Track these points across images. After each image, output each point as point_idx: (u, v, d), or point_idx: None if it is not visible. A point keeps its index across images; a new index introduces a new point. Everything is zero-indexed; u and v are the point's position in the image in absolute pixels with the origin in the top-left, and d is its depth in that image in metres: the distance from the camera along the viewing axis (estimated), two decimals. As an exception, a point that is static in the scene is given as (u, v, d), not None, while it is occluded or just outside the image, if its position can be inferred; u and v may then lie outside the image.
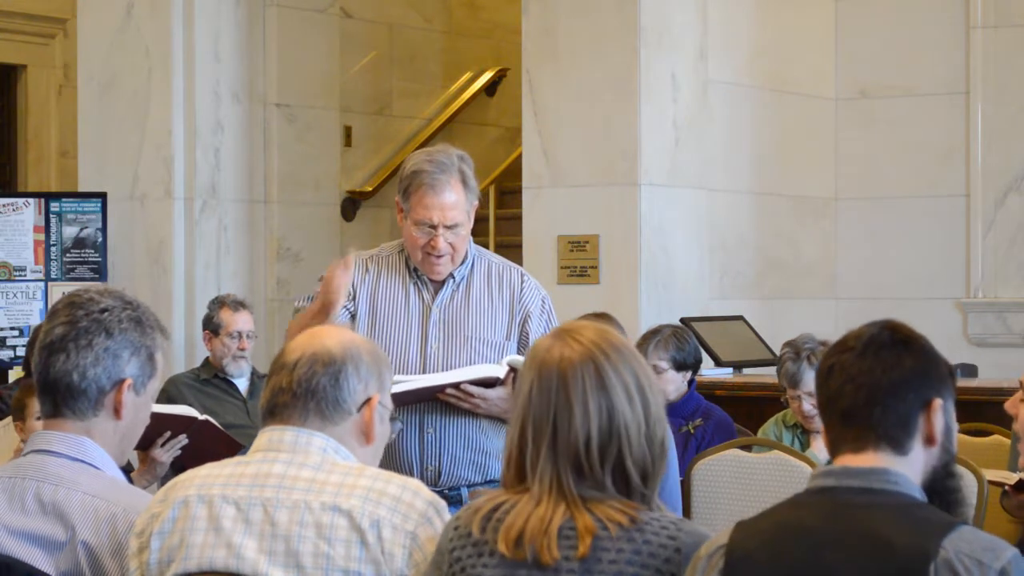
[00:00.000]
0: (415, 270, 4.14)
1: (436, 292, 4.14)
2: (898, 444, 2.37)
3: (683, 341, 5.74)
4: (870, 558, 2.26)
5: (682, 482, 4.99)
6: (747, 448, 5.22)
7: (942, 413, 2.40)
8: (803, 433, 5.45)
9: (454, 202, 4.04)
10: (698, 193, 7.36)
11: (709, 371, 6.92)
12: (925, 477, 2.40)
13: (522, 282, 4.17)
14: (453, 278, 4.14)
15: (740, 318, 7.44)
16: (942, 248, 7.98)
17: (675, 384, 5.69)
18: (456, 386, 3.96)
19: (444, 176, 4.03)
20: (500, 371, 3.97)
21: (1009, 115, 7.82)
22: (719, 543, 2.40)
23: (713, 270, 7.54)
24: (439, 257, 4.07)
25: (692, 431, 5.63)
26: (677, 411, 5.58)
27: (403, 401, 3.96)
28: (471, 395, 3.95)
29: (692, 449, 5.53)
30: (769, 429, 5.57)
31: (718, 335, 7.19)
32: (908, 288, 7.91)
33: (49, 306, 7.39)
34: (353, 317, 4.11)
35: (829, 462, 2.47)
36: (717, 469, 5.12)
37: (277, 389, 2.72)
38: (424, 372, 4.06)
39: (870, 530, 2.28)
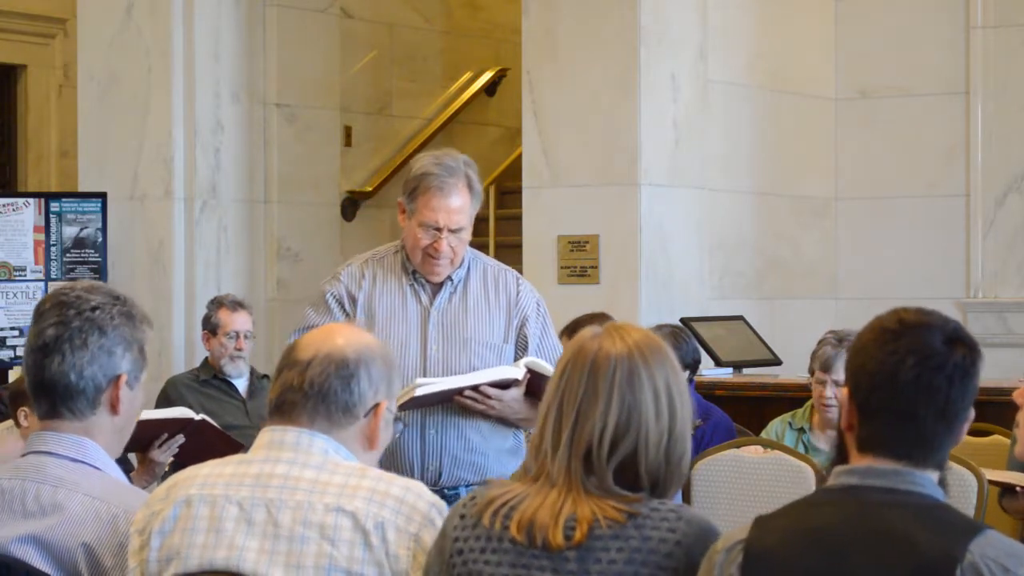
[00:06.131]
0: (413, 272, 4.16)
1: (434, 295, 4.16)
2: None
3: (681, 341, 5.73)
4: (894, 559, 2.23)
5: (682, 482, 4.99)
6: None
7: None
8: (808, 437, 5.44)
9: (460, 206, 4.08)
10: (698, 193, 7.36)
11: (709, 371, 6.92)
12: None
13: (518, 286, 4.22)
14: (451, 280, 4.17)
15: (740, 318, 7.44)
16: (942, 248, 7.98)
17: (674, 384, 5.69)
18: (476, 388, 3.98)
19: (452, 180, 4.07)
20: (519, 372, 4.00)
21: (1009, 115, 7.82)
22: (737, 538, 2.37)
23: (713, 270, 7.54)
24: (440, 260, 4.09)
25: (692, 431, 5.63)
26: (677, 411, 5.57)
27: (424, 403, 4.00)
28: (488, 396, 3.98)
29: (692, 449, 5.52)
30: (773, 428, 5.56)
31: (718, 335, 7.19)
32: (908, 288, 7.89)
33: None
34: None
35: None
36: (717, 469, 5.12)
37: (288, 386, 2.71)
38: (425, 375, 4.08)
39: (894, 531, 2.25)
